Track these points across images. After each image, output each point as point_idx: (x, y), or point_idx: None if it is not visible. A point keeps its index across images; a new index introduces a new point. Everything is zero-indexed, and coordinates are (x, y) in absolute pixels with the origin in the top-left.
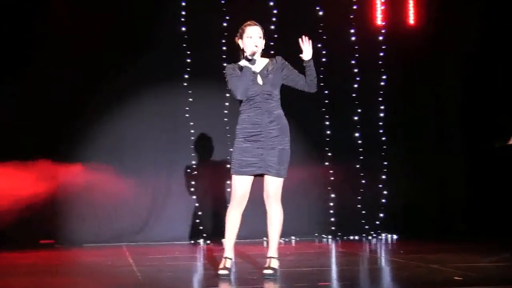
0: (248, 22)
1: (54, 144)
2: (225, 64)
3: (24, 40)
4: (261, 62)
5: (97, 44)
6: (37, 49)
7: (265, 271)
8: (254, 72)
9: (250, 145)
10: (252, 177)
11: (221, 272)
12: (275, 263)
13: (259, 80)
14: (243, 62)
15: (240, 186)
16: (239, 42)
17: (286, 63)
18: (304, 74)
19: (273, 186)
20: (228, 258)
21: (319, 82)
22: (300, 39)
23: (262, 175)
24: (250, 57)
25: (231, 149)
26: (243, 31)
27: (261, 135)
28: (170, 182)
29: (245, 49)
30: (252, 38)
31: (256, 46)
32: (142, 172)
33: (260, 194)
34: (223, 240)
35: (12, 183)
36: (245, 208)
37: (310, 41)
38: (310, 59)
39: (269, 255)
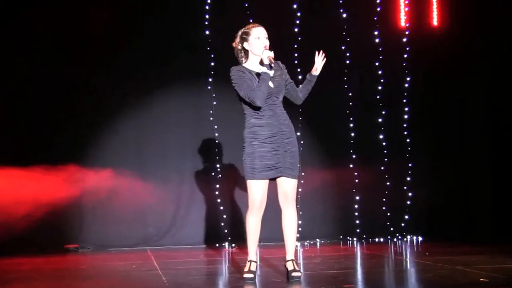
0: (252, 24)
1: (80, 149)
2: (232, 68)
3: (32, 40)
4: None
5: (119, 46)
6: (50, 49)
7: (294, 274)
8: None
9: (267, 148)
10: (268, 180)
11: (246, 275)
12: (298, 265)
13: (270, 83)
14: (260, 68)
15: (258, 191)
16: (244, 44)
17: (286, 70)
18: (302, 84)
19: (291, 188)
20: (252, 261)
21: (343, 84)
22: (316, 52)
23: (274, 179)
24: (272, 64)
25: None
26: (248, 34)
27: (276, 137)
28: (194, 186)
29: (252, 51)
30: (260, 39)
31: (266, 46)
32: (166, 176)
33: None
34: (248, 244)
35: (37, 187)
36: (267, 210)
37: (325, 58)
38: (317, 75)
39: (290, 257)
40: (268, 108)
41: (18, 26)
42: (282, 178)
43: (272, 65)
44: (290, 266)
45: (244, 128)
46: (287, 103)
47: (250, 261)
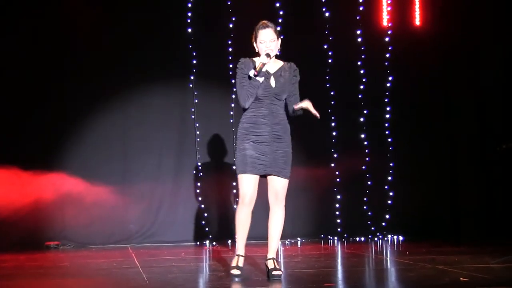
0: (261, 24)
1: (63, 147)
2: (241, 59)
3: (18, 40)
4: (275, 64)
5: (99, 45)
6: (34, 49)
7: (274, 272)
8: (268, 73)
9: (257, 145)
10: (258, 176)
11: (233, 271)
12: (279, 264)
13: (272, 82)
14: (251, 73)
15: (248, 186)
16: (254, 44)
17: (298, 76)
18: (294, 101)
19: (282, 187)
20: (240, 255)
21: (325, 83)
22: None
23: (265, 176)
24: (256, 74)
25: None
26: (256, 35)
27: (267, 136)
28: (176, 184)
29: (260, 53)
30: (264, 43)
31: (270, 52)
32: (148, 174)
33: (262, 195)
34: (236, 238)
35: (19, 186)
36: (255, 208)
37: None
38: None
39: (271, 256)
40: (265, 107)
41: None
42: (273, 177)
43: (256, 74)
44: (271, 264)
45: (239, 123)
46: None
47: (238, 255)
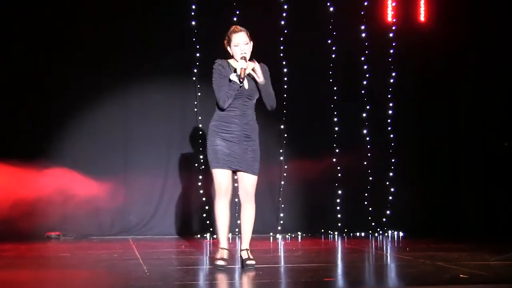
0: (233, 29)
1: (64, 139)
2: (216, 60)
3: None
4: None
5: (101, 37)
6: (35, 41)
7: (248, 262)
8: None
9: (227, 142)
10: (231, 171)
11: (218, 262)
12: (252, 254)
13: (245, 84)
14: (232, 77)
15: (223, 179)
16: (228, 48)
17: (268, 73)
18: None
19: (250, 183)
20: (224, 248)
21: (328, 78)
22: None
23: (235, 173)
24: (242, 80)
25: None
26: (229, 39)
27: (237, 135)
28: (177, 177)
29: (235, 57)
30: (239, 46)
31: (245, 55)
32: (150, 166)
33: (264, 189)
34: (218, 232)
35: (21, 179)
36: (237, 202)
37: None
38: (262, 81)
39: (245, 247)
40: (237, 108)
41: None
42: (243, 174)
43: (241, 79)
44: (244, 255)
45: (211, 120)
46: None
47: (222, 248)
